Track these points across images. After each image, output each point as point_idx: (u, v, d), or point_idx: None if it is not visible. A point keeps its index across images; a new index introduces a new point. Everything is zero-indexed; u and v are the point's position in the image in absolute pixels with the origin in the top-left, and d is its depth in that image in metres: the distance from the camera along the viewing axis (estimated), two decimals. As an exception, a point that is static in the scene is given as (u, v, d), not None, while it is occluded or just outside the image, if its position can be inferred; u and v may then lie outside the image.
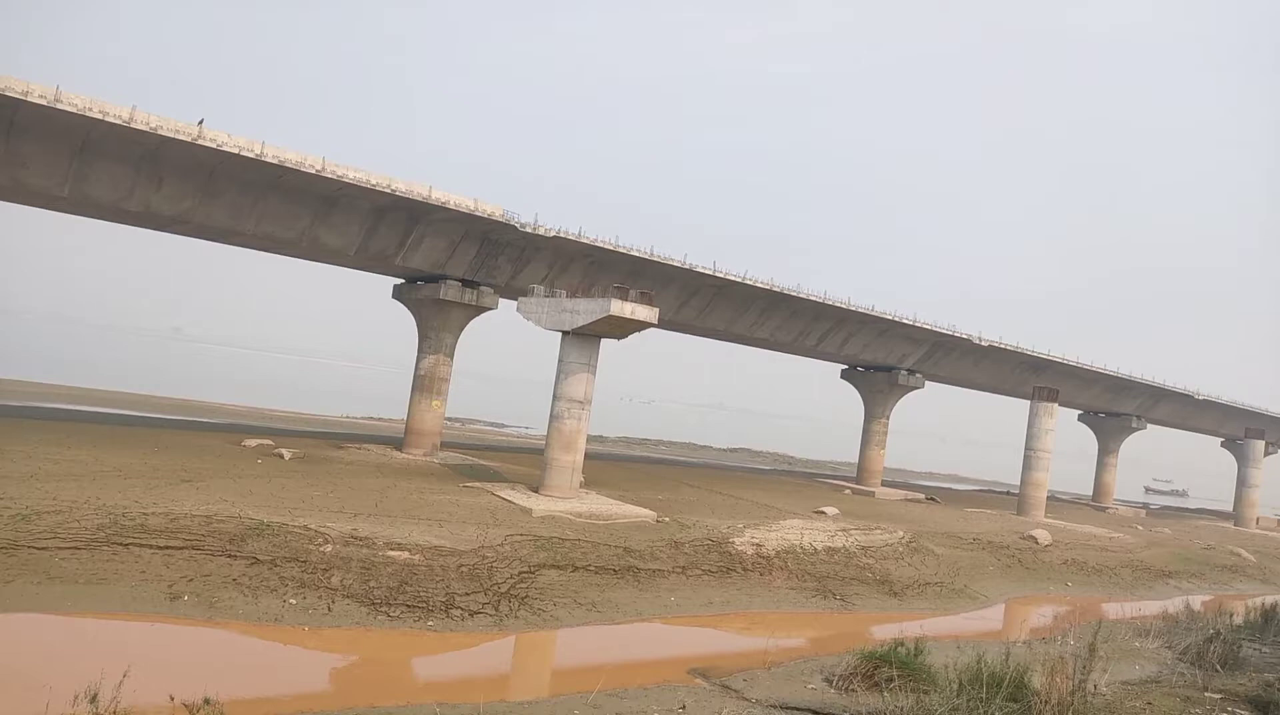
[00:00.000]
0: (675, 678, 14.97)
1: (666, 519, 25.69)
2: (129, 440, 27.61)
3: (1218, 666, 19.00)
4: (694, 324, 38.77)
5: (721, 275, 34.78)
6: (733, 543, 23.99)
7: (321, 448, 31.81)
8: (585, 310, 25.97)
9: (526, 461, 34.56)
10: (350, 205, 28.42)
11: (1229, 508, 64.27)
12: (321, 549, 17.62)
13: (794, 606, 21.71)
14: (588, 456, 29.41)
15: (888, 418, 48.46)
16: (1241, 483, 60.20)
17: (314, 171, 25.64)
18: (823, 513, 31.48)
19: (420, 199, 27.83)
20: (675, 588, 20.78)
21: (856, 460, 50.12)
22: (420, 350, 34.14)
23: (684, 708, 12.93)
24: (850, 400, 50.90)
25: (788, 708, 13.27)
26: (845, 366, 49.21)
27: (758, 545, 24.23)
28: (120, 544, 16.29)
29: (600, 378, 28.19)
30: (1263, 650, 21.81)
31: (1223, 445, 66.24)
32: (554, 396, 27.52)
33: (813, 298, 38.24)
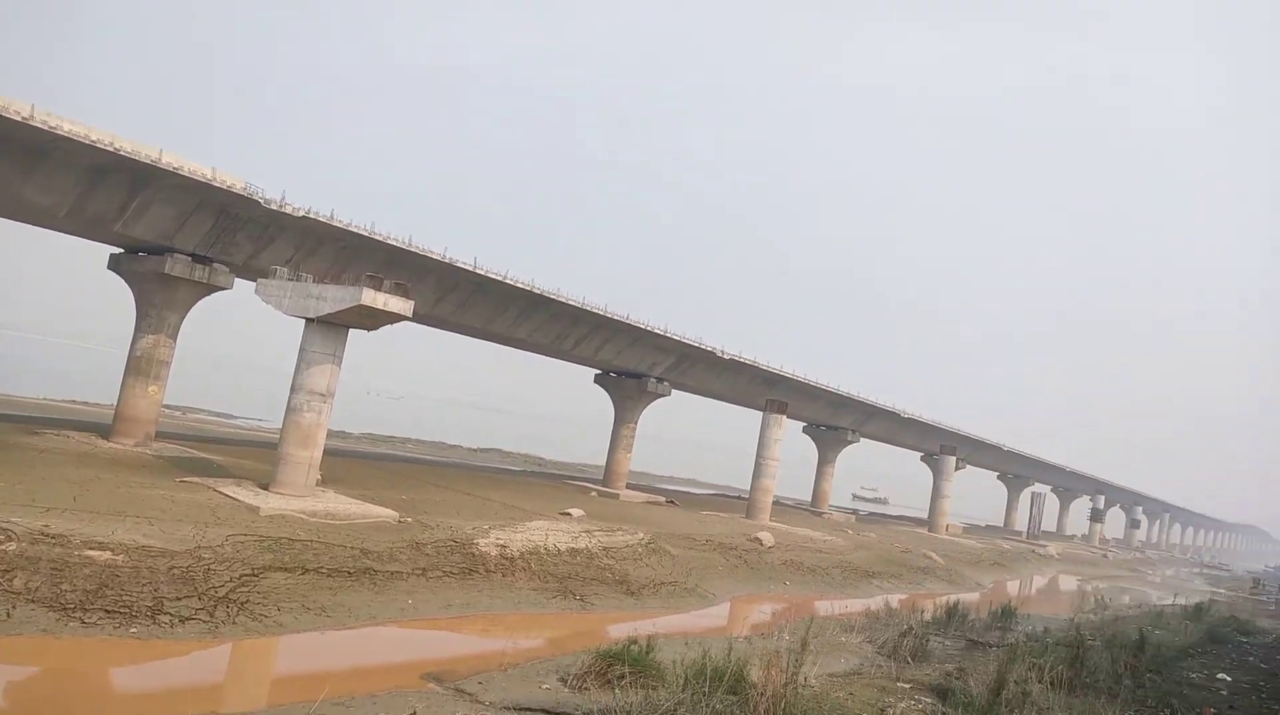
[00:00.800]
0: (408, 683, 14.55)
1: (409, 519, 24.94)
2: None
3: (909, 659, 21.34)
4: (450, 320, 38.00)
5: (481, 272, 34.36)
6: (477, 544, 23.72)
7: (9, 432, 27.85)
8: (334, 297, 24.67)
9: (257, 456, 32.21)
10: (65, 161, 25.16)
11: (924, 515, 72.44)
12: (3, 547, 15.42)
13: (535, 607, 21.82)
14: (328, 453, 27.96)
15: (636, 423, 50.06)
16: (936, 493, 68.09)
17: (19, 118, 22.44)
18: (569, 514, 31.93)
19: (148, 162, 25.17)
20: (414, 590, 20.21)
21: (604, 463, 51.34)
22: (138, 329, 30.81)
23: (414, 713, 12.59)
24: (602, 405, 52.14)
25: (521, 709, 13.29)
26: (599, 371, 50.31)
27: (502, 546, 24.12)
28: None
29: (345, 370, 26.91)
30: (946, 644, 24.76)
31: (922, 459, 74.51)
32: (293, 387, 25.88)
33: (571, 302, 38.74)
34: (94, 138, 23.86)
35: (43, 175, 25.37)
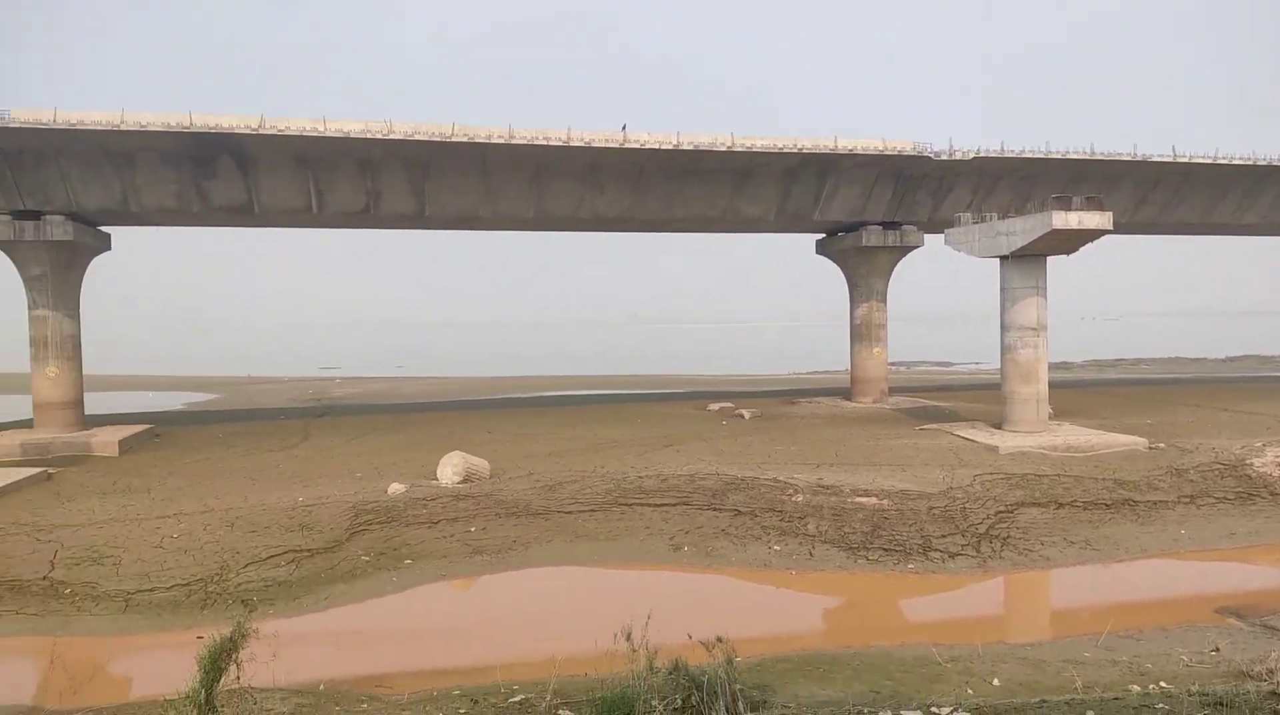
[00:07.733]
0: (1200, 617, 13.26)
1: (1161, 444, 22.83)
2: (612, 415, 31.54)
3: None
4: (1157, 222, 33.83)
5: (1185, 160, 29.85)
6: (1251, 465, 20.56)
7: (775, 405, 33.40)
8: (1023, 229, 23.94)
9: (982, 398, 32.92)
10: (763, 174, 29.37)
11: None
12: (793, 499, 18.53)
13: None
14: (1052, 386, 27.16)
15: None
16: None
17: (724, 148, 26.97)
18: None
19: (828, 152, 27.84)
20: (1183, 519, 18.38)
21: None
22: (852, 300, 34.19)
23: (1218, 650, 11.41)
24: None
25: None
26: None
27: (1286, 464, 20.45)
28: (625, 505, 18.72)
29: (1051, 299, 25.84)
30: None
31: None
32: (1002, 327, 25.80)
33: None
34: (780, 145, 27.39)
35: (750, 191, 29.94)
